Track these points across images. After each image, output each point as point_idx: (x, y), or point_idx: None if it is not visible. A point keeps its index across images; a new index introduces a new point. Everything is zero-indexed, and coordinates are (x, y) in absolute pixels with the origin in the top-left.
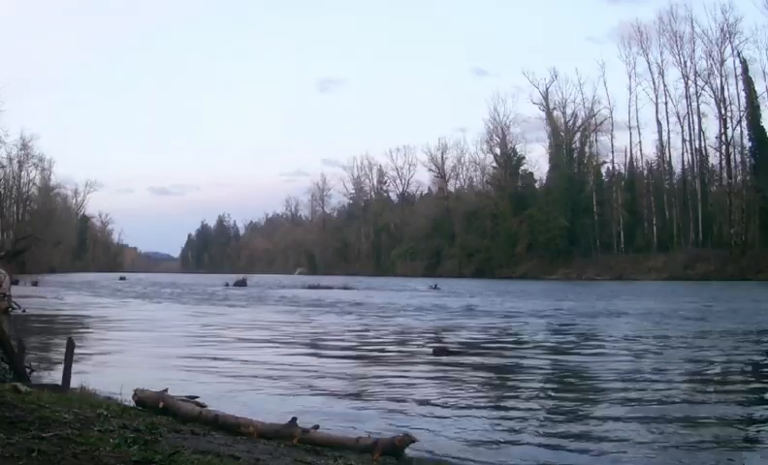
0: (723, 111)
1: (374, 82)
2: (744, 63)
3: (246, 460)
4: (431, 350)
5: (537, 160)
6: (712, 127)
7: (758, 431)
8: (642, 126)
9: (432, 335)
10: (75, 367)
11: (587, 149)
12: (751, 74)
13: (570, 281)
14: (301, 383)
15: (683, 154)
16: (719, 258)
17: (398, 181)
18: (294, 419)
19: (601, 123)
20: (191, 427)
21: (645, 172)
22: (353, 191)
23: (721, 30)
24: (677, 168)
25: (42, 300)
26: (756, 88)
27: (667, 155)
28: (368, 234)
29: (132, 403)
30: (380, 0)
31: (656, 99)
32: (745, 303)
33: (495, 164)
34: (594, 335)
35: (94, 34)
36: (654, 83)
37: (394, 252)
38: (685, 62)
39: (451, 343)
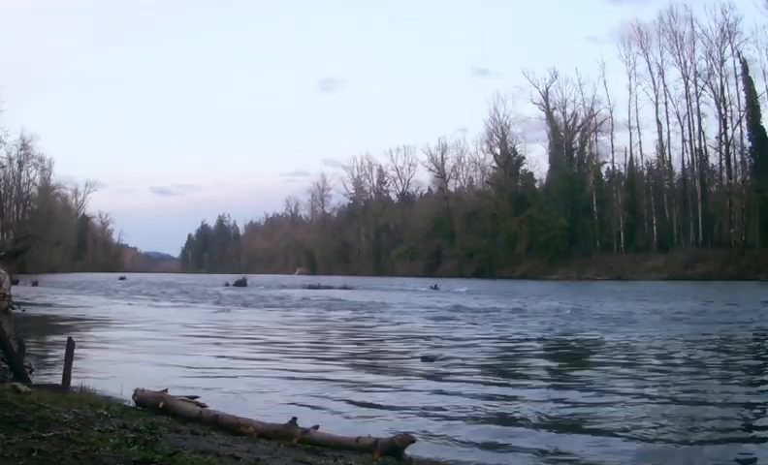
0: (723, 111)
1: (375, 82)
2: (744, 63)
3: (246, 460)
4: (419, 356)
5: (537, 160)
6: (712, 127)
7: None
8: (642, 126)
9: (426, 338)
10: (75, 367)
11: (587, 149)
12: (751, 74)
13: (570, 281)
14: (300, 383)
15: (683, 154)
16: (719, 258)
17: (398, 181)
18: (294, 419)
19: (601, 123)
20: (191, 427)
21: (645, 172)
22: (353, 191)
23: (721, 30)
24: (677, 168)
25: (42, 300)
26: (756, 88)
27: (667, 155)
28: (368, 234)
29: (132, 403)
30: (382, 0)
31: (656, 99)
32: (747, 303)
33: (495, 164)
34: (595, 336)
35: (94, 33)
36: (654, 83)
37: (394, 252)
38: (685, 62)
39: (444, 347)
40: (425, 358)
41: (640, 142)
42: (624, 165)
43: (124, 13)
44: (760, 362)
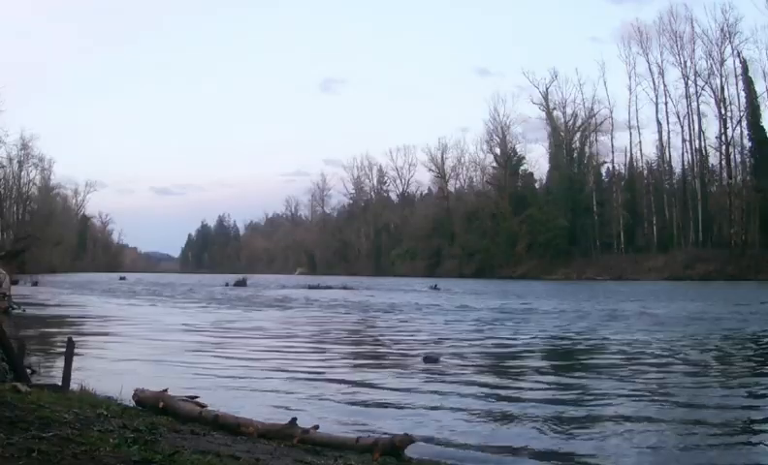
0: (723, 111)
1: (375, 82)
2: (744, 63)
3: (246, 460)
4: (421, 357)
5: (537, 160)
6: (712, 127)
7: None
8: (642, 126)
9: (427, 340)
10: (75, 367)
11: (587, 149)
12: (751, 74)
13: (570, 281)
14: (300, 383)
15: (683, 154)
16: (719, 258)
17: (398, 181)
18: (294, 419)
19: (601, 123)
20: (191, 427)
21: (645, 172)
22: (353, 191)
23: (721, 30)
24: (677, 168)
25: (42, 300)
26: (756, 88)
27: (667, 155)
28: (368, 234)
29: (132, 403)
30: (383, 0)
31: (656, 99)
32: (747, 304)
33: (495, 164)
34: (596, 338)
35: (94, 33)
36: (654, 83)
37: (394, 252)
38: (685, 62)
39: (445, 348)
40: (427, 359)
41: (640, 142)
42: (624, 165)
43: (124, 13)
44: (762, 368)
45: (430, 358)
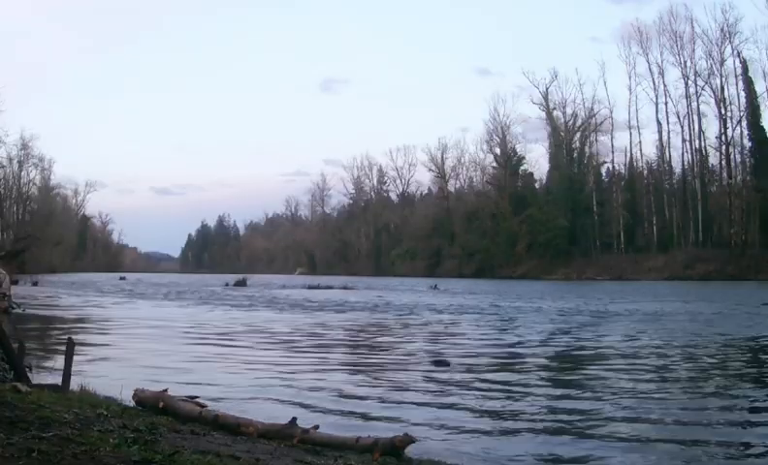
0: (723, 111)
1: (376, 82)
2: (744, 63)
3: (246, 460)
4: (430, 361)
5: (537, 160)
6: (712, 127)
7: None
8: (642, 126)
9: (432, 341)
10: (75, 367)
11: (587, 149)
12: (751, 74)
13: (570, 281)
14: (301, 383)
15: (683, 154)
16: (719, 258)
17: (398, 181)
18: (294, 419)
19: (601, 123)
20: (191, 427)
21: (645, 172)
22: (353, 191)
23: (721, 30)
24: (677, 168)
25: (42, 300)
26: (756, 88)
27: (667, 155)
28: (368, 234)
29: (132, 403)
30: (384, 0)
31: (656, 99)
32: (748, 305)
33: (495, 164)
34: (599, 340)
35: (94, 33)
36: (654, 83)
37: (394, 252)
38: (685, 62)
39: (447, 349)
40: (437, 363)
41: (640, 142)
42: (624, 165)
43: (124, 13)
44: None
45: (440, 362)
